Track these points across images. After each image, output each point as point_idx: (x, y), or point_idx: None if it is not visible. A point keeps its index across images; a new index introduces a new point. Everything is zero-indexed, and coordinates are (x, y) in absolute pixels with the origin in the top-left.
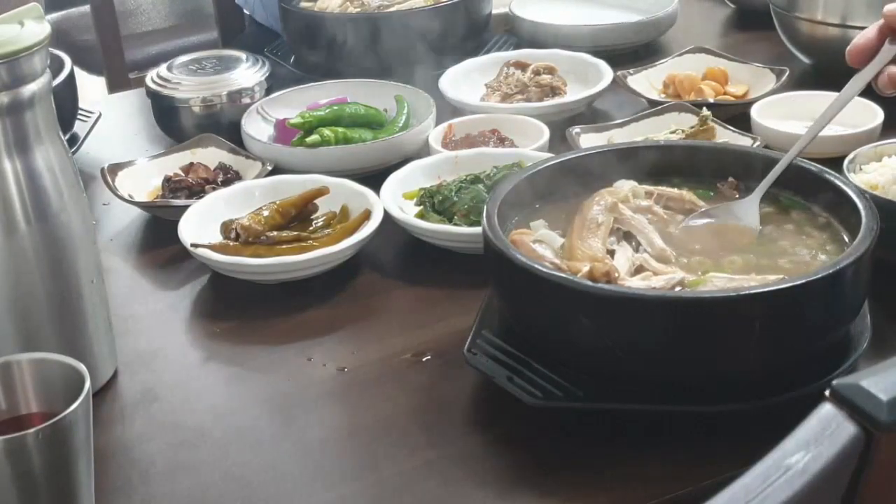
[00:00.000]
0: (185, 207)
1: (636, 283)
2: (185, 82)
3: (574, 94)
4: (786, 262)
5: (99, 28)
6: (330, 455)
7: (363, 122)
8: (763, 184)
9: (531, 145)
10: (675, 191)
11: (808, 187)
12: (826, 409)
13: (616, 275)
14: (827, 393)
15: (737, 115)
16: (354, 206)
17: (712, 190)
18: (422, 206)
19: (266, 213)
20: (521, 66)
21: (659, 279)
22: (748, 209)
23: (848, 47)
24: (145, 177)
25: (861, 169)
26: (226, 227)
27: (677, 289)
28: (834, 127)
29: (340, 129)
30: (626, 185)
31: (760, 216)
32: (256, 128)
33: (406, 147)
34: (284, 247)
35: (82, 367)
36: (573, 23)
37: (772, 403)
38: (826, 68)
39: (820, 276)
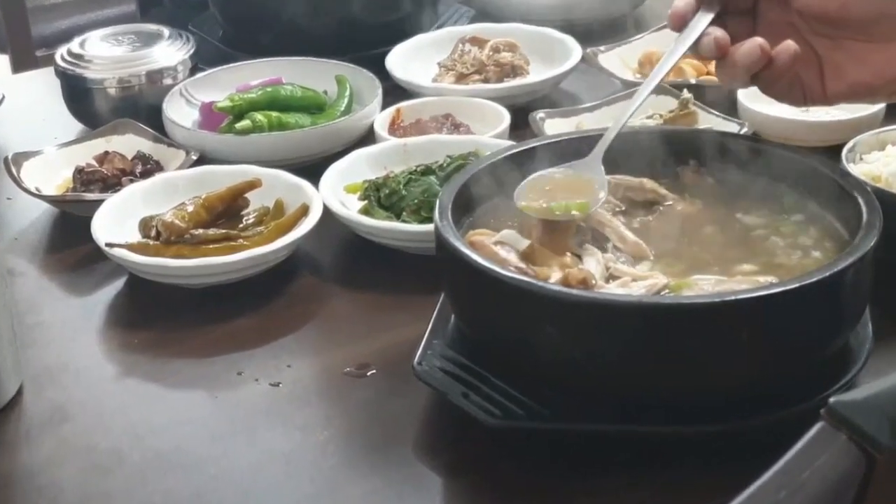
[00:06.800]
0: (100, 202)
1: (615, 290)
2: (98, 61)
3: (538, 74)
4: (777, 263)
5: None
6: (261, 482)
7: (300, 106)
8: (600, 145)
9: (490, 132)
10: (636, 179)
11: (802, 179)
12: (822, 430)
13: (593, 282)
14: (823, 411)
15: (722, 97)
16: (290, 201)
17: (675, 177)
18: (366, 201)
19: (190, 208)
20: (479, 43)
21: (639, 285)
22: (592, 167)
23: (669, 11)
24: (54, 168)
25: (862, 159)
26: (145, 225)
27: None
28: (831, 111)
29: (274, 114)
30: None
31: (749, 214)
32: (179, 112)
33: (348, 134)
34: (211, 246)
35: None
36: None
37: (760, 424)
38: None
39: (815, 279)
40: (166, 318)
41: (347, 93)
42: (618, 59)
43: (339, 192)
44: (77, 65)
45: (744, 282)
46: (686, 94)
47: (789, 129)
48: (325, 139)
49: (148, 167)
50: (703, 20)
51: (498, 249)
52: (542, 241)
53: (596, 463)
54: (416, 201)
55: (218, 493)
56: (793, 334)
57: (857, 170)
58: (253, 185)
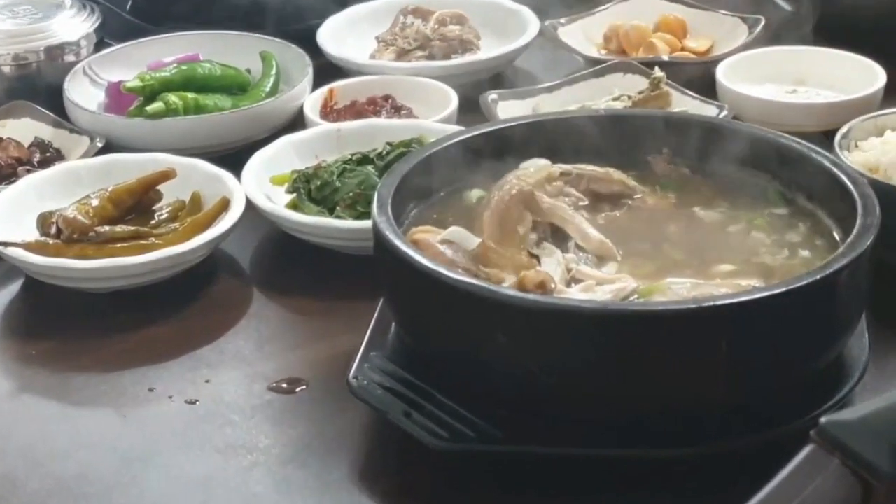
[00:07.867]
0: None
1: (577, 295)
2: None
3: (490, 49)
4: (760, 263)
5: None
6: None
7: (220, 86)
8: None
9: (435, 115)
10: (601, 169)
11: (789, 169)
12: (812, 454)
13: (553, 286)
14: (813, 433)
15: (698, 76)
16: (208, 194)
17: (645, 167)
18: (295, 194)
19: (95, 202)
20: (422, 15)
21: (605, 289)
22: None
23: None
24: None
25: (857, 146)
26: (44, 221)
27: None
28: (823, 92)
29: (191, 95)
30: (535, 166)
31: (729, 208)
32: (83, 93)
33: (275, 118)
34: (119, 246)
35: None
36: None
37: (742, 446)
38: (812, 17)
39: (805, 282)
40: (68, 326)
41: (273, 71)
42: (580, 33)
43: (264, 183)
44: None
45: (723, 285)
46: (658, 72)
47: (775, 111)
48: (249, 124)
49: (47, 155)
50: None
51: (444, 249)
52: (493, 236)
53: (555, 491)
54: (351, 194)
55: None
56: (779, 345)
57: (852, 158)
58: (166, 175)
